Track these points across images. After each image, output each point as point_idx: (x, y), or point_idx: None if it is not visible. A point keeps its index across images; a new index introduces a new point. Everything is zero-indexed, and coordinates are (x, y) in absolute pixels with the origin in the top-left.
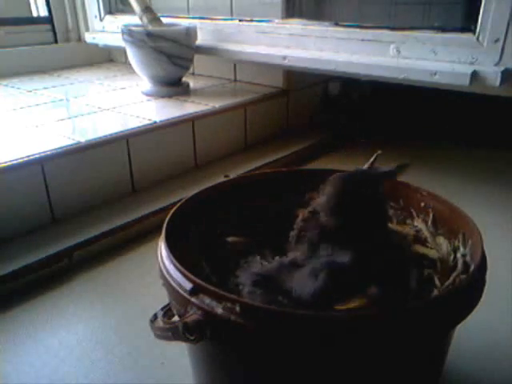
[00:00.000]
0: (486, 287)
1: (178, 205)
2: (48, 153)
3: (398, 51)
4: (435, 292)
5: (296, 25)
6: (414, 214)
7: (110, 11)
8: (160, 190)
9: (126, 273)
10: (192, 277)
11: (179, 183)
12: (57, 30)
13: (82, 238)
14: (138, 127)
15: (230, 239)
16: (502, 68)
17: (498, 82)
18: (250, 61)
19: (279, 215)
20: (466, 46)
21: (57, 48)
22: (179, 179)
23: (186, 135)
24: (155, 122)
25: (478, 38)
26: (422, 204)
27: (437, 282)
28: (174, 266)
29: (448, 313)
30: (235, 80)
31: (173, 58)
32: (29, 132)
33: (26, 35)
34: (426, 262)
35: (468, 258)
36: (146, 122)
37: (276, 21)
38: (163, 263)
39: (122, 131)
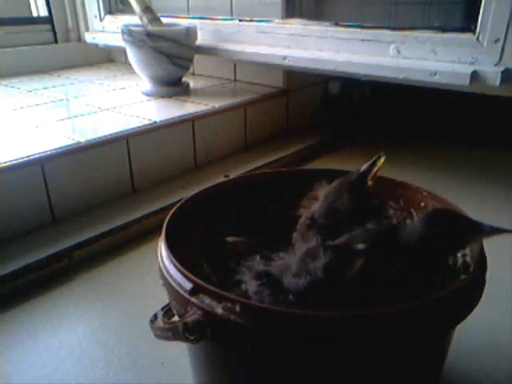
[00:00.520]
0: (485, 287)
1: (178, 205)
2: (48, 153)
3: (398, 51)
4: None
5: (296, 25)
6: (414, 214)
7: (110, 11)
8: (160, 190)
9: (126, 273)
10: (192, 277)
11: (179, 183)
12: (57, 30)
13: (81, 238)
14: (138, 127)
15: (230, 239)
16: (502, 68)
17: (497, 82)
18: (250, 61)
19: (279, 215)
20: (466, 46)
21: (57, 48)
22: (179, 179)
23: (185, 135)
24: (155, 122)
25: (478, 38)
26: (422, 204)
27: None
28: (174, 266)
29: (448, 313)
30: (235, 80)
31: (173, 58)
32: (29, 132)
33: (26, 35)
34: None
35: (468, 258)
36: (146, 122)
37: (276, 21)
38: (163, 263)
39: (121, 131)
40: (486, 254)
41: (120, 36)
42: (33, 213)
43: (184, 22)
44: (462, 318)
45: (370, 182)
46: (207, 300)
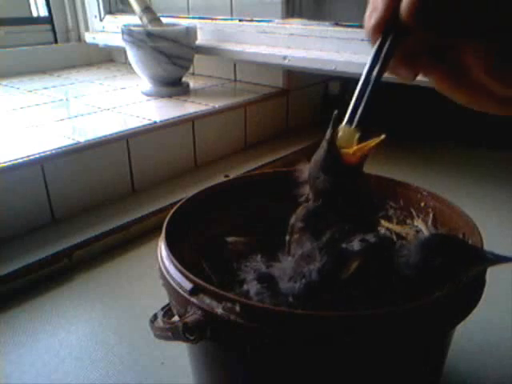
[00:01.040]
0: (485, 287)
1: (178, 205)
2: (48, 153)
3: None
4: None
5: (296, 25)
6: (414, 213)
7: (110, 11)
8: (160, 190)
9: (126, 273)
10: (192, 277)
11: (179, 183)
12: (57, 30)
13: (81, 238)
14: (138, 127)
15: (230, 239)
16: None
17: None
18: (251, 61)
19: (279, 215)
20: None
21: (57, 48)
22: (179, 179)
23: (185, 135)
24: (155, 122)
25: None
26: (422, 204)
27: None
28: (174, 266)
29: (448, 313)
30: (235, 80)
31: (173, 58)
32: (29, 132)
33: (26, 35)
34: None
35: None
36: (146, 122)
37: (276, 21)
38: (163, 263)
39: (121, 131)
40: None
41: (120, 36)
42: (33, 213)
43: (184, 22)
44: (462, 318)
45: (353, 155)
46: (207, 300)
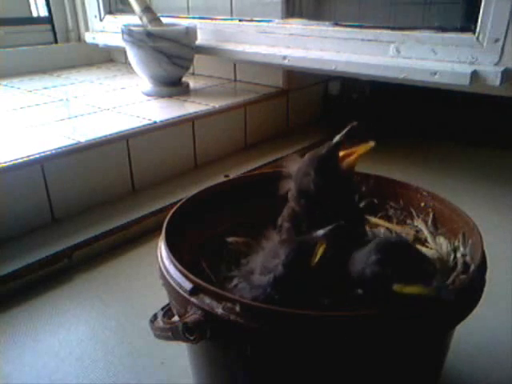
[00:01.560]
0: (485, 287)
1: (178, 205)
2: (48, 153)
3: (398, 51)
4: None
5: (296, 25)
6: (414, 213)
7: (109, 11)
8: (160, 190)
9: (126, 273)
10: (192, 277)
11: (179, 183)
12: (57, 30)
13: (81, 238)
14: (138, 127)
15: (229, 239)
16: (502, 68)
17: (497, 82)
18: (251, 61)
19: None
20: (466, 46)
21: (57, 48)
22: (179, 179)
23: (185, 135)
24: (155, 122)
25: (477, 38)
26: (422, 204)
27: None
28: (174, 266)
29: (448, 313)
30: (235, 80)
31: (173, 58)
32: (29, 132)
33: (26, 35)
34: None
35: (468, 258)
36: (146, 122)
37: (276, 21)
38: (163, 263)
39: (121, 131)
40: (486, 254)
41: (120, 36)
42: (33, 213)
43: (184, 22)
44: (462, 318)
45: (345, 160)
46: (207, 300)
